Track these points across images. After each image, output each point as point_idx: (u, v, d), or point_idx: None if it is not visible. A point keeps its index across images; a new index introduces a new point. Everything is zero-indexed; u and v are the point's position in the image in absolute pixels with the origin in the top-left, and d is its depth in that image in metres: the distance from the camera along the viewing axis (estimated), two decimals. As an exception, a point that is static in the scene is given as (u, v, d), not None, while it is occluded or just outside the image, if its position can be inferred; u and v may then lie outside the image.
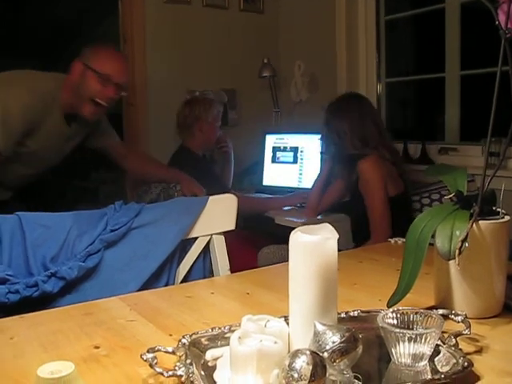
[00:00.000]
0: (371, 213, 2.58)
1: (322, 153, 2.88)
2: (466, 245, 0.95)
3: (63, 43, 8.20)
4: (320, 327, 0.79)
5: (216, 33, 3.99)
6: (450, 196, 1.04)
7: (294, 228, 2.87)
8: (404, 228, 2.56)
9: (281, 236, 3.12)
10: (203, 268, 1.57)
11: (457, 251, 0.95)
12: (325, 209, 2.94)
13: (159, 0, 3.73)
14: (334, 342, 0.77)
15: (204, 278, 1.56)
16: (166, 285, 1.46)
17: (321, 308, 0.84)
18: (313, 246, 0.82)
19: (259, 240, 3.17)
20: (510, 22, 0.95)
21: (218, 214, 1.57)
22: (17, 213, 1.35)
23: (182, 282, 1.53)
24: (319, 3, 3.85)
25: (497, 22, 0.95)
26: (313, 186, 2.95)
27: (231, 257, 1.62)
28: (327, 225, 0.86)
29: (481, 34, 3.11)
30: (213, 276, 1.59)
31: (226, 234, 1.62)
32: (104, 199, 5.67)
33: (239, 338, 0.78)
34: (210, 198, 1.56)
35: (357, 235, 2.72)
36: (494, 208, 1.05)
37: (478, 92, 3.23)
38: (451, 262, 0.98)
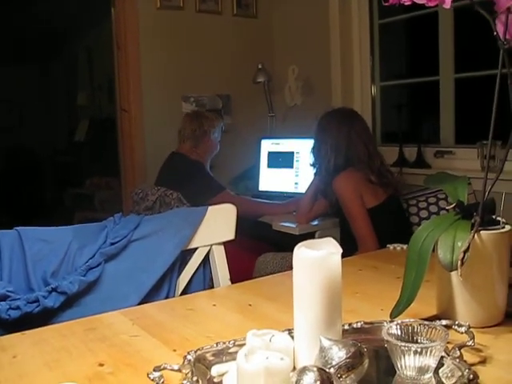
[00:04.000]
0: (353, 226, 2.57)
1: (311, 165, 2.85)
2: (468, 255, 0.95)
3: (54, 49, 8.20)
4: (326, 342, 0.79)
5: (210, 38, 4.00)
6: (451, 206, 1.04)
7: (290, 234, 2.87)
8: (391, 235, 2.56)
9: (278, 242, 3.15)
10: (203, 279, 1.56)
11: (459, 262, 0.95)
12: (315, 217, 2.94)
13: (152, 6, 3.74)
14: (340, 358, 0.77)
15: (204, 288, 1.56)
16: (167, 296, 1.46)
17: (326, 322, 0.84)
18: (318, 261, 0.82)
19: (256, 246, 3.18)
20: (508, 33, 0.96)
21: (218, 224, 1.57)
22: (16, 228, 1.35)
23: (182, 293, 1.53)
24: (312, 8, 3.86)
25: (495, 33, 0.96)
26: (305, 193, 2.95)
27: (228, 263, 1.62)
28: (331, 239, 0.87)
29: (475, 36, 3.12)
30: (213, 286, 1.59)
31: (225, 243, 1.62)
32: (100, 205, 5.66)
33: (245, 354, 0.78)
34: (210, 208, 1.56)
35: (344, 246, 2.69)
36: (494, 217, 1.06)
37: (473, 95, 3.25)
38: (453, 272, 0.98)
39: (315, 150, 2.79)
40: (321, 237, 0.89)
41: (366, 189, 2.60)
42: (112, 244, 1.37)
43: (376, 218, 2.55)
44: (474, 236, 0.97)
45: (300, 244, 0.86)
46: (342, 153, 2.65)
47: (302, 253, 0.84)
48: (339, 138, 2.66)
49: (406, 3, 1.01)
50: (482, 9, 0.96)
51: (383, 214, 2.61)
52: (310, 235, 2.82)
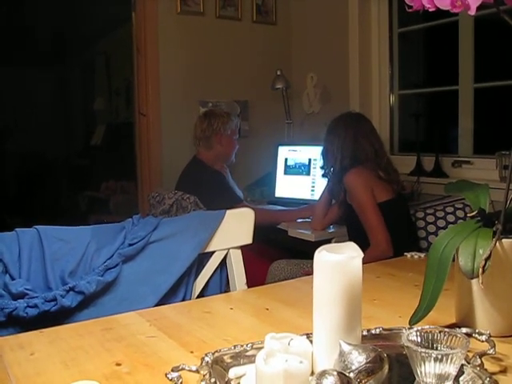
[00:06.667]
0: (363, 219, 2.58)
1: (321, 167, 2.90)
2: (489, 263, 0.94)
3: (72, 52, 8.27)
4: (346, 347, 0.79)
5: (229, 44, 4.01)
6: (473, 214, 1.03)
7: (306, 240, 2.86)
8: (399, 232, 2.55)
9: (294, 248, 3.13)
10: (220, 282, 1.56)
11: (480, 270, 0.94)
12: (330, 222, 2.95)
13: (173, 11, 3.75)
14: (360, 362, 0.76)
15: (220, 292, 1.56)
16: (183, 299, 1.45)
17: (346, 327, 0.84)
18: (339, 265, 0.82)
19: (272, 252, 3.17)
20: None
21: (236, 228, 1.57)
22: (35, 226, 1.35)
23: (198, 296, 1.53)
24: (332, 15, 3.86)
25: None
26: (319, 199, 2.96)
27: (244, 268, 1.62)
28: (352, 243, 0.86)
29: (495, 46, 3.10)
30: (229, 290, 1.59)
31: (242, 247, 1.62)
32: (115, 209, 5.68)
33: (264, 357, 0.78)
34: (228, 212, 1.56)
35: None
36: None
37: (492, 105, 3.22)
38: (474, 280, 0.97)
39: (324, 152, 2.85)
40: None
41: (376, 184, 2.64)
42: (130, 245, 1.38)
43: (386, 213, 2.57)
44: (495, 244, 0.96)
45: (321, 247, 0.86)
46: (349, 152, 2.70)
47: (322, 256, 0.84)
48: (346, 139, 2.72)
49: (429, 9, 1.00)
50: (508, 16, 0.95)
51: (393, 209, 2.64)
52: (326, 242, 2.80)
